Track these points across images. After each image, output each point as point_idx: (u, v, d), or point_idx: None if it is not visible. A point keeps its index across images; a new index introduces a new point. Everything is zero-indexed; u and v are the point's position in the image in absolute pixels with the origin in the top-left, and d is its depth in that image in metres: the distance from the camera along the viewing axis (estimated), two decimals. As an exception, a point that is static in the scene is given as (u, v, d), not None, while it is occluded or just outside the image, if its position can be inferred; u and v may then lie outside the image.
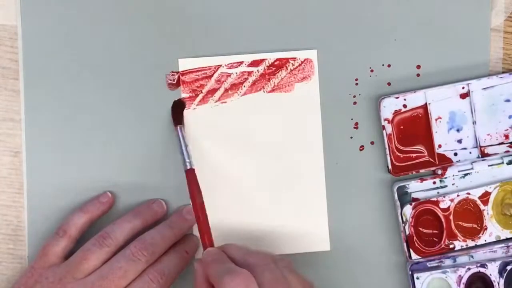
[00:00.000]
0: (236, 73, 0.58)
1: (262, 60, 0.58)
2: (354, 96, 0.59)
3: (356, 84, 0.58)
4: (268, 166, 0.58)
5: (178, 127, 0.57)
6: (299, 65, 0.58)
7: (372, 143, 0.59)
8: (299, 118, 0.58)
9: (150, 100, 0.58)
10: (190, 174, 0.55)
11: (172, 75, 0.58)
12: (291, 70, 0.58)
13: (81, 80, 0.58)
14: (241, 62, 0.58)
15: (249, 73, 0.58)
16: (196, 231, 0.58)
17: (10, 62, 0.58)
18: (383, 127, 0.58)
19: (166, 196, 0.58)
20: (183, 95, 0.58)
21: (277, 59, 0.58)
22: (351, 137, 0.59)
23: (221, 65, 0.58)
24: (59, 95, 0.58)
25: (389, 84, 0.58)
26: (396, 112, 0.58)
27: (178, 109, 0.58)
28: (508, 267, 0.57)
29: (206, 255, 0.53)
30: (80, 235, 0.56)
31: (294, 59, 0.58)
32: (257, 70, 0.58)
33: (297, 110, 0.58)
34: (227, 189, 0.59)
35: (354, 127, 0.59)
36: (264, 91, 0.58)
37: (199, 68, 0.58)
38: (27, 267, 0.57)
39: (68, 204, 0.58)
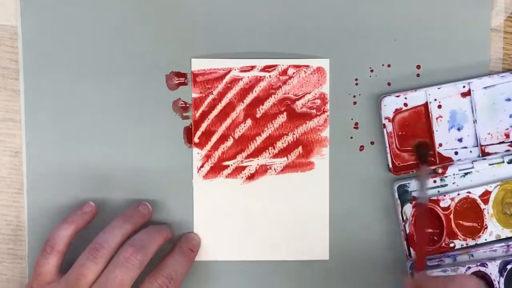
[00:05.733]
0: (248, 77, 0.58)
1: (274, 66, 0.58)
2: (354, 96, 0.59)
3: (356, 84, 0.58)
4: (273, 175, 0.59)
5: (424, 167, 0.57)
6: (311, 73, 0.58)
7: (372, 143, 0.59)
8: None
9: (150, 100, 0.58)
10: (424, 209, 0.57)
11: (173, 75, 0.58)
12: (302, 78, 0.58)
13: (81, 80, 0.58)
14: (254, 67, 0.58)
15: (261, 78, 0.58)
16: (196, 230, 0.58)
17: (10, 62, 0.58)
18: (384, 126, 0.58)
19: (165, 195, 0.58)
20: (194, 95, 0.58)
21: (289, 66, 0.58)
22: (351, 137, 0.59)
23: (233, 68, 0.58)
24: (59, 95, 0.58)
25: (389, 84, 0.58)
26: (397, 111, 0.58)
27: (423, 150, 0.58)
28: (508, 266, 0.57)
29: (423, 274, 0.56)
30: (68, 247, 0.55)
31: (307, 66, 0.58)
32: (269, 76, 0.58)
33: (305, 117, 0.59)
34: (229, 198, 0.59)
35: (354, 127, 0.59)
36: (274, 98, 0.58)
37: (211, 69, 0.58)
38: (25, 286, 0.57)
39: (68, 204, 0.58)
